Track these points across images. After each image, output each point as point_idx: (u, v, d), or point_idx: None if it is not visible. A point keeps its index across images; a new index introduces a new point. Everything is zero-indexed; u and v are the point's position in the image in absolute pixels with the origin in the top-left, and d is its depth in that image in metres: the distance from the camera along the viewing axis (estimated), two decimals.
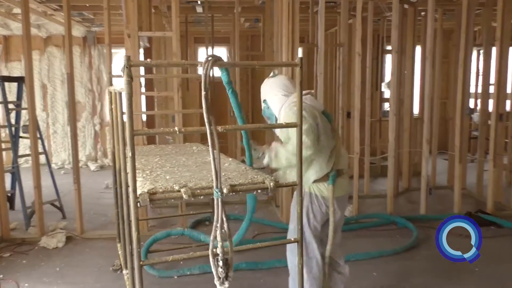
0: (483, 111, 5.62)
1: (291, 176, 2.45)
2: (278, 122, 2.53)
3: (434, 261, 3.72)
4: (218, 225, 1.78)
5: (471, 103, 7.16)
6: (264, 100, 2.65)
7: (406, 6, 5.76)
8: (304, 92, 2.32)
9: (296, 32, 4.45)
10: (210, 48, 6.59)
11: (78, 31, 8.20)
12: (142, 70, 4.98)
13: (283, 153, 2.42)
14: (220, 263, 1.76)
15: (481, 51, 5.73)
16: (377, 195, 5.72)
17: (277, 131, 2.66)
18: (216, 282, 1.76)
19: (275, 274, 3.49)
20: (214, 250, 1.77)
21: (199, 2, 6.18)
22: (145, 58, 5.42)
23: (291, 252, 2.64)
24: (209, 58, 1.75)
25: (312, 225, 2.58)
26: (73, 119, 4.40)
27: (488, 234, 4.29)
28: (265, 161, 2.47)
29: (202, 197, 1.83)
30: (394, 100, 5.26)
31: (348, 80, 5.71)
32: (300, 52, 8.19)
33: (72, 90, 4.33)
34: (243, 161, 2.52)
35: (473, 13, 5.22)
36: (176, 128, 1.73)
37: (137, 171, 2.19)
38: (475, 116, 6.88)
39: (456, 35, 5.64)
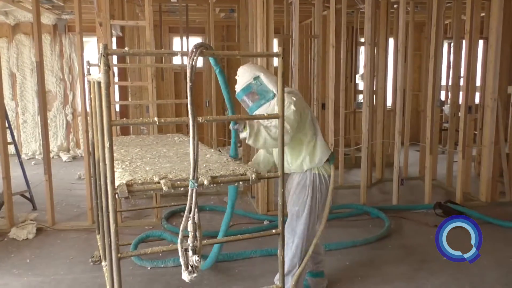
0: (453, 103, 5.76)
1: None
2: (273, 102, 2.61)
3: (405, 250, 3.81)
4: (190, 215, 1.79)
5: (443, 95, 7.33)
6: (257, 77, 2.65)
7: None
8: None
9: (271, 23, 4.45)
10: (184, 38, 6.52)
11: (48, 18, 7.98)
12: (115, 59, 4.90)
13: (263, 134, 2.46)
14: (190, 253, 1.76)
15: (452, 44, 5.85)
16: (351, 186, 5.81)
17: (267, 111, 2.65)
18: (184, 273, 1.77)
19: (251, 264, 3.51)
20: (184, 241, 1.78)
21: None
22: (118, 47, 5.32)
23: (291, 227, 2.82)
24: (196, 47, 1.75)
25: (319, 204, 2.78)
26: (43, 109, 4.29)
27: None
28: (243, 135, 2.46)
29: (182, 188, 1.81)
30: (368, 92, 5.33)
31: (322, 71, 5.75)
32: (275, 43, 8.18)
33: (42, 79, 4.22)
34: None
35: (443, 6, 5.31)
36: (155, 119, 1.72)
37: (116, 161, 2.19)
38: (446, 108, 7.05)
39: (428, 28, 5.73)
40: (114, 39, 5.17)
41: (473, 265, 3.46)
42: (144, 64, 5.06)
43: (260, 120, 2.53)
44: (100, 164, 2.22)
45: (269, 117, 2.10)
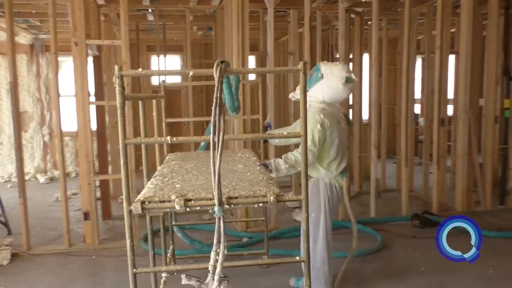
0: (426, 116, 5.89)
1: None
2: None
3: (384, 262, 3.84)
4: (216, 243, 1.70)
5: (418, 109, 7.48)
6: (318, 69, 2.87)
7: (353, 15, 5.96)
8: None
9: (246, 41, 4.51)
10: (162, 56, 6.54)
11: (24, 38, 7.92)
12: (91, 77, 4.87)
13: (282, 167, 2.71)
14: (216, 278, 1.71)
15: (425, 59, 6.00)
16: None
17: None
18: None
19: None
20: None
21: (150, 10, 6.13)
22: (95, 66, 5.30)
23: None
24: (220, 63, 1.66)
25: (331, 214, 2.98)
26: (17, 130, 4.25)
27: (433, 234, 4.48)
28: (272, 175, 2.65)
29: (198, 207, 1.77)
30: (344, 106, 5.40)
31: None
32: (252, 60, 8.24)
33: (16, 99, 4.18)
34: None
35: (415, 23, 5.47)
36: (168, 138, 1.72)
37: (156, 177, 2.27)
38: (421, 121, 7.19)
39: (401, 43, 5.88)
40: (90, 59, 5.14)
41: (453, 275, 3.52)
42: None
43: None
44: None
45: (289, 136, 2.09)
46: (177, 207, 1.72)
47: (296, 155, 2.74)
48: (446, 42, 5.15)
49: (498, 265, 3.67)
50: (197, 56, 8.64)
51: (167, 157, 3.03)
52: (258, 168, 2.40)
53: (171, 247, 3.75)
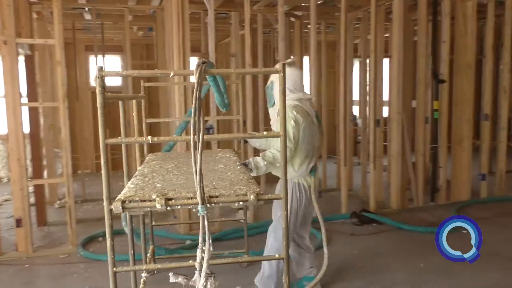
0: (363, 117, 6.12)
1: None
2: (275, 110, 2.90)
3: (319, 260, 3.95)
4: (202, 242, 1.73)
5: (357, 110, 7.75)
6: (272, 81, 2.97)
7: (292, 19, 6.09)
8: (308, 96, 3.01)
9: (187, 42, 4.48)
10: (100, 56, 6.35)
11: None
12: (23, 77, 4.64)
13: (261, 164, 2.78)
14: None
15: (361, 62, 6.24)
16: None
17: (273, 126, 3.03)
18: None
19: None
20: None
21: (86, 9, 5.94)
22: (27, 66, 5.05)
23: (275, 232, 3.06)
24: (199, 64, 1.69)
25: (299, 212, 3.04)
26: None
27: (371, 231, 4.67)
28: (253, 174, 2.72)
29: (179, 207, 1.82)
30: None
31: (243, 89, 5.84)
32: (194, 61, 8.16)
33: None
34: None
35: (351, 27, 5.67)
36: (148, 137, 1.75)
37: (136, 177, 2.26)
38: (360, 122, 7.46)
39: (339, 46, 6.07)
40: (22, 58, 4.89)
41: (385, 270, 3.68)
42: (56, 83, 4.85)
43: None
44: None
45: (269, 136, 2.14)
46: (158, 206, 1.75)
47: (273, 152, 2.81)
48: (380, 46, 5.39)
49: (428, 258, 3.89)
50: (138, 56, 8.47)
51: (147, 157, 3.06)
52: (238, 167, 2.48)
53: (151, 247, 3.74)
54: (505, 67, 5.87)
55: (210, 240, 1.71)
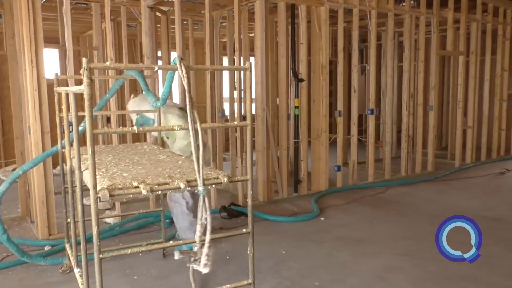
0: (231, 113, 6.28)
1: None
2: (161, 122, 3.59)
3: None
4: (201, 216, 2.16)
5: (227, 107, 7.92)
6: (136, 115, 3.75)
7: (158, 14, 5.97)
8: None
9: (39, 32, 4.12)
10: None
11: None
12: None
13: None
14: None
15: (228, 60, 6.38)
16: (141, 199, 5.76)
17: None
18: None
19: None
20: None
21: None
22: None
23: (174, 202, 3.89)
24: (180, 59, 2.03)
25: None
26: None
27: (239, 224, 4.82)
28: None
29: (159, 192, 2.06)
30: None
31: (105, 86, 5.58)
32: (56, 54, 7.58)
33: None
34: None
35: (218, 25, 5.76)
36: (135, 127, 2.02)
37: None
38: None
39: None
40: None
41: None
42: None
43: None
44: (76, 172, 2.39)
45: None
46: (144, 192, 1.95)
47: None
48: (245, 45, 5.57)
49: (289, 245, 4.14)
50: None
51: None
52: (182, 156, 2.90)
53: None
54: (354, 69, 6.50)
55: (211, 215, 2.14)
